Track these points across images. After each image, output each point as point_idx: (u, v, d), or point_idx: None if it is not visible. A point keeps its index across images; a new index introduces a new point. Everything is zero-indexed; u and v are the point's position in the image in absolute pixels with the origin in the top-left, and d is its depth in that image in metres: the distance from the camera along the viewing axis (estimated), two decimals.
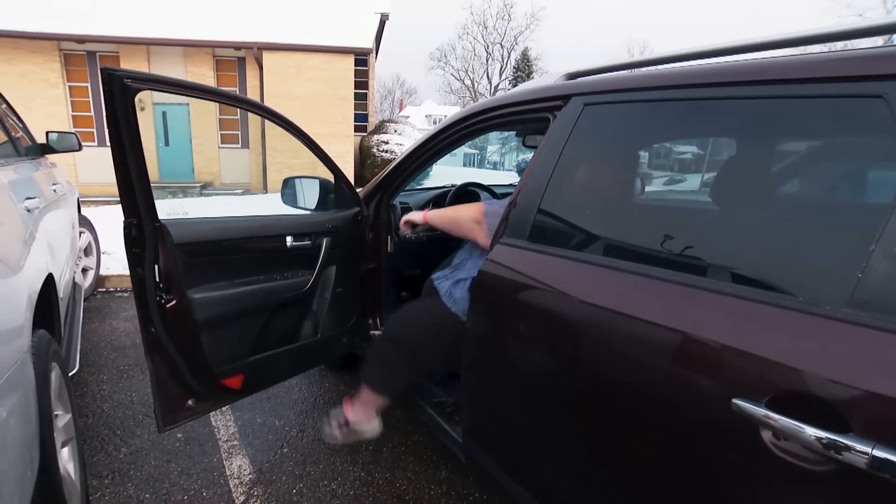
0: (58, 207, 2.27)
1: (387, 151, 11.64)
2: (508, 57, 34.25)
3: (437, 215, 1.67)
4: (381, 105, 40.23)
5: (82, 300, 2.66)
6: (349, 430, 1.64)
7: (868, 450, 0.58)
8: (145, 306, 1.34)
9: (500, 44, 34.08)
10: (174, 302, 1.36)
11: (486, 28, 34.34)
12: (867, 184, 0.83)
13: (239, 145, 11.48)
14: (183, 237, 1.42)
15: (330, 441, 1.73)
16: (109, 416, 2.08)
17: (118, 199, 1.26)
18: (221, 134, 11.34)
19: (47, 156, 2.77)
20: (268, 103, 9.63)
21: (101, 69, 1.19)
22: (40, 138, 2.75)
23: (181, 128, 10.93)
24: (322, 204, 1.95)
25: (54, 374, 1.33)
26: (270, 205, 2.23)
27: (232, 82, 10.97)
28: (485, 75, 34.80)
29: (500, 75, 34.41)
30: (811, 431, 0.63)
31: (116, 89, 1.18)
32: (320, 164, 1.81)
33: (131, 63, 10.05)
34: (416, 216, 1.76)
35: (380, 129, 13.05)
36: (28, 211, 1.63)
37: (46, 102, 9.96)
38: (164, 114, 10.76)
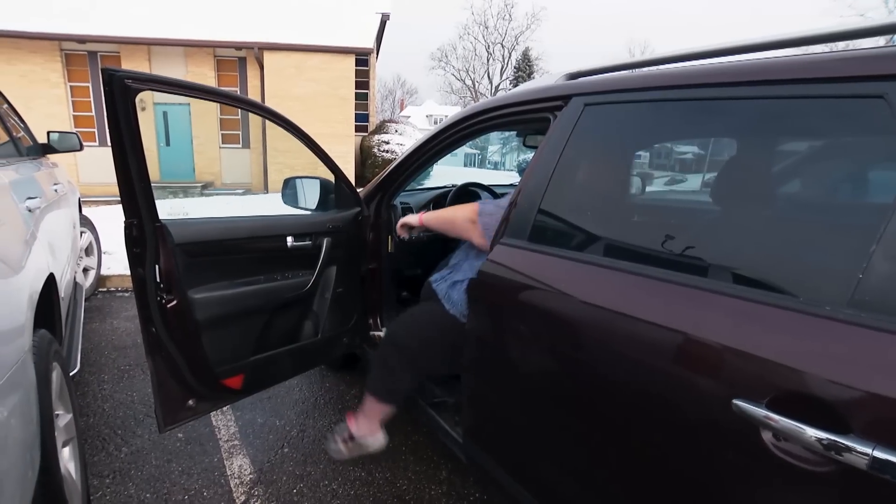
0: (59, 207, 2.27)
1: (387, 151, 11.64)
2: (509, 57, 34.28)
3: (433, 217, 1.66)
4: (382, 105, 40.28)
5: (83, 300, 2.66)
6: (354, 445, 1.64)
7: (868, 451, 0.58)
8: (146, 306, 1.34)
9: (501, 44, 34.10)
10: (175, 302, 1.36)
11: (486, 28, 34.35)
12: (868, 184, 0.83)
13: (240, 145, 11.49)
14: (184, 237, 1.42)
15: (336, 457, 1.73)
16: (110, 415, 2.08)
17: (119, 198, 1.26)
18: (222, 134, 11.34)
19: (48, 156, 2.77)
20: (269, 103, 9.68)
21: (102, 70, 1.19)
22: (41, 138, 2.75)
23: (182, 128, 10.93)
24: (323, 204, 1.95)
25: (55, 374, 1.34)
26: (271, 205, 2.23)
27: (233, 82, 10.97)
28: (486, 75, 34.83)
29: (501, 75, 34.44)
30: (811, 432, 0.62)
31: (117, 90, 1.18)
32: (321, 164, 1.81)
33: (132, 63, 10.06)
34: (412, 219, 1.75)
35: (381, 129, 13.05)
36: (29, 211, 1.64)
37: (47, 102, 9.97)
38: (164, 114, 10.76)
